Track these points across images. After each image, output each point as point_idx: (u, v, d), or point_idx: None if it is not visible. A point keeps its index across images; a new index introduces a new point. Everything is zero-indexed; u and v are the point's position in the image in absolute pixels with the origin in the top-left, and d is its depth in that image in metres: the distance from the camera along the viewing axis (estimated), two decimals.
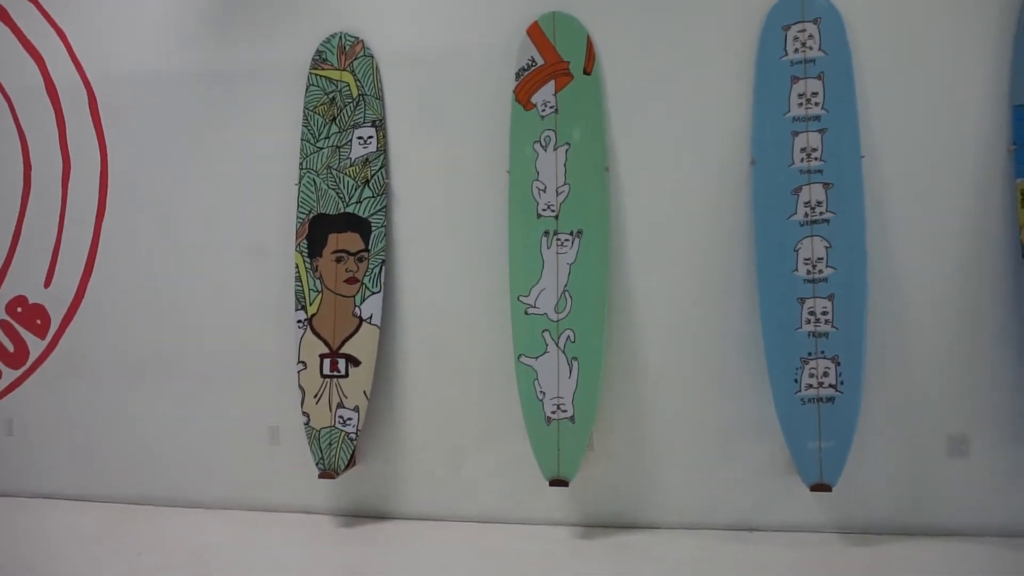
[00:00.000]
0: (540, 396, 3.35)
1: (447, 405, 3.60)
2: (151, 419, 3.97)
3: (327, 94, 3.68)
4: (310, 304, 3.63)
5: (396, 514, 3.66)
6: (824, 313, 3.16)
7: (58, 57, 4.03)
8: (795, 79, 3.24)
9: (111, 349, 4.02)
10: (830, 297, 3.15)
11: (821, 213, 3.18)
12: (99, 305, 4.03)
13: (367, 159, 3.63)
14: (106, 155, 4.00)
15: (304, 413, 3.58)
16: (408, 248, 3.63)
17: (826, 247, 3.17)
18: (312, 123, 3.69)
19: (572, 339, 3.35)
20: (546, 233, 3.41)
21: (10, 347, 4.16)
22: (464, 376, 3.59)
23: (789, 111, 3.24)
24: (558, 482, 3.31)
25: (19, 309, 4.14)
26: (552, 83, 3.45)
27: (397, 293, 3.63)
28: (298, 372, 3.61)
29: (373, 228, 3.60)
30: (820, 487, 3.11)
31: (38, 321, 4.11)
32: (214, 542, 3.49)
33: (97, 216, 4.02)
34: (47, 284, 4.09)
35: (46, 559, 3.37)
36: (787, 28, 3.25)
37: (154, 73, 3.93)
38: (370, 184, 3.61)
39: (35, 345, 4.12)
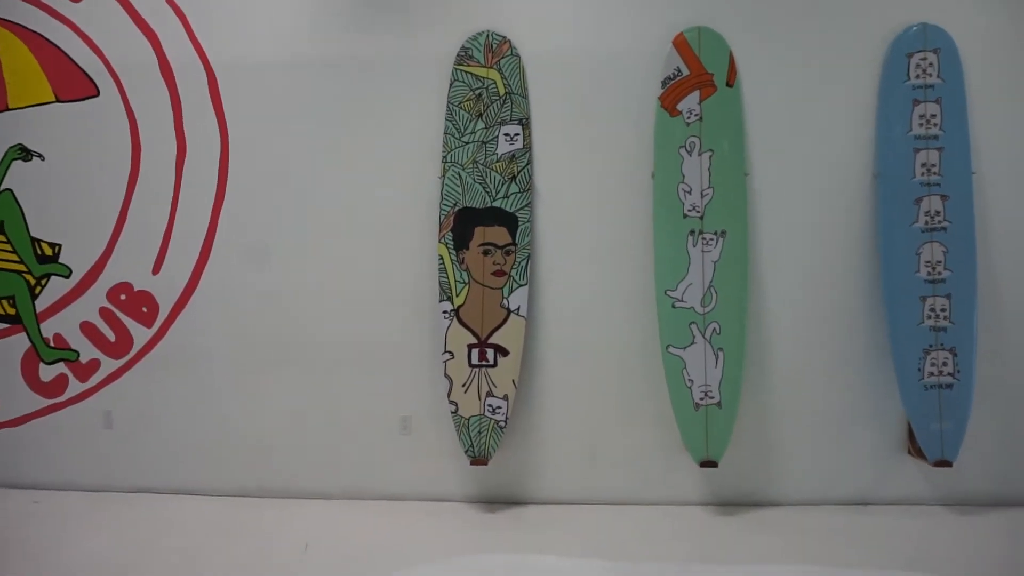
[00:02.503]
0: (688, 384, 3.59)
1: (585, 393, 3.77)
2: (268, 410, 3.90)
3: (473, 90, 3.77)
4: (456, 295, 3.70)
5: (531, 499, 3.79)
6: (943, 310, 3.57)
7: (175, 36, 3.89)
8: (916, 102, 3.64)
9: (226, 339, 3.91)
10: (947, 296, 3.57)
11: (939, 221, 3.59)
12: (213, 294, 3.91)
13: (513, 156, 3.74)
14: (227, 140, 3.90)
15: (451, 402, 3.65)
16: (551, 243, 3.77)
17: (944, 251, 3.58)
18: (457, 118, 3.77)
19: (717, 331, 3.60)
20: (691, 232, 3.65)
21: (111, 336, 3.96)
22: (602, 365, 3.76)
23: (911, 130, 3.63)
24: (708, 463, 3.55)
25: (123, 296, 3.95)
26: (697, 92, 3.70)
27: (540, 286, 3.76)
28: (444, 362, 3.67)
29: (520, 223, 3.72)
30: (942, 463, 3.52)
31: (144, 309, 3.94)
32: (364, 533, 3.50)
33: (215, 202, 3.90)
34: (156, 271, 3.93)
35: (211, 553, 3.27)
36: (910, 56, 3.65)
37: (283, 58, 3.87)
38: (516, 180, 3.74)
39: (140, 334, 3.95)
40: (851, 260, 3.71)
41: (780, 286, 3.72)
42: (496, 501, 3.78)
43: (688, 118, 3.69)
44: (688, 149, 3.68)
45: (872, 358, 3.68)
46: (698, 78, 3.70)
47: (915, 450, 3.61)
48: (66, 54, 3.98)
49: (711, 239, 3.64)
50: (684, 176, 3.67)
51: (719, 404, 3.57)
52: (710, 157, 3.66)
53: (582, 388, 3.77)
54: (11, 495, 3.90)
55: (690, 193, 3.67)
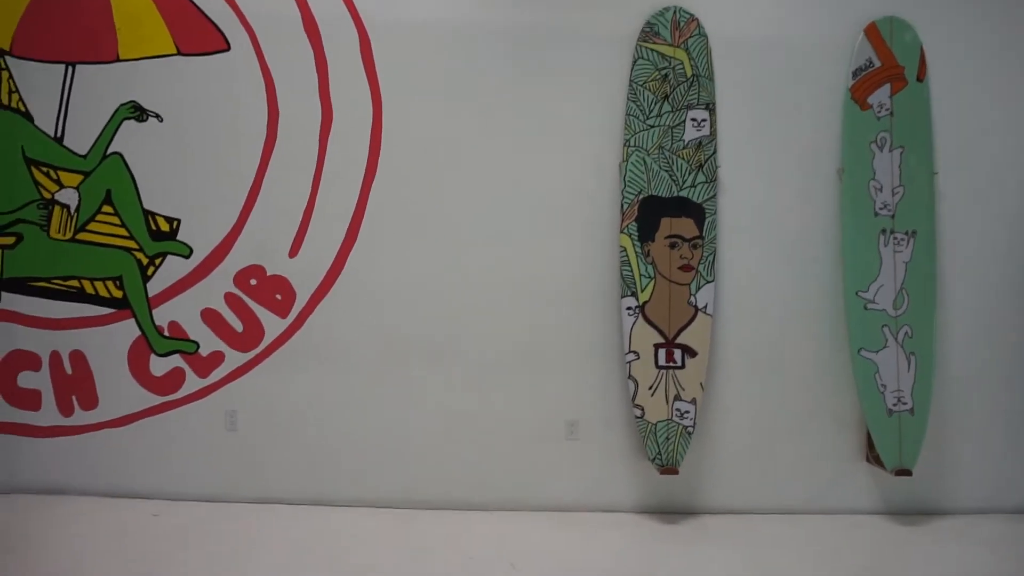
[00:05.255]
0: (881, 389, 3.44)
1: (765, 397, 3.57)
2: (417, 414, 3.53)
3: (659, 70, 3.49)
4: (641, 291, 3.43)
5: (706, 508, 3.57)
6: None
7: None
8: None
9: (371, 333, 3.51)
10: None
11: None
12: (359, 281, 3.50)
13: (700, 143, 3.49)
14: (380, 109, 3.48)
15: (637, 406, 3.38)
16: (735, 237, 3.55)
17: None
18: (641, 98, 3.49)
19: (910, 335, 3.47)
20: (883, 231, 3.50)
21: (238, 326, 3.48)
22: (785, 367, 3.57)
23: None
24: (902, 472, 3.42)
25: (253, 281, 3.48)
26: (888, 86, 3.54)
27: (723, 282, 3.54)
28: (629, 363, 3.40)
29: (707, 215, 3.48)
30: None
31: (278, 296, 3.48)
32: (536, 546, 3.20)
33: (365, 177, 3.48)
34: (293, 253, 3.48)
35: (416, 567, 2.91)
36: None
37: (447, 20, 3.48)
38: (704, 169, 3.49)
39: (272, 325, 3.48)
40: None
41: (962, 290, 3.62)
42: (670, 511, 3.54)
43: (879, 112, 3.53)
44: (879, 144, 3.52)
45: None
46: (889, 70, 3.54)
47: None
48: (191, 1, 3.46)
49: (902, 239, 3.50)
50: (875, 172, 3.52)
51: (911, 411, 3.44)
52: (901, 154, 3.52)
53: (762, 391, 3.57)
54: (127, 505, 3.39)
55: (881, 191, 3.52)
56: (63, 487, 3.52)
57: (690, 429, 3.39)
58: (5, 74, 3.48)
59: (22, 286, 3.50)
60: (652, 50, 3.51)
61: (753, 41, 3.56)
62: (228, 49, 3.47)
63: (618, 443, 3.53)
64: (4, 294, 3.50)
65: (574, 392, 3.55)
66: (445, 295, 3.53)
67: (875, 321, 3.47)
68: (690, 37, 3.51)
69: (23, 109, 3.48)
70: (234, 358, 3.50)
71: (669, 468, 3.37)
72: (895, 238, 3.50)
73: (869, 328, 3.46)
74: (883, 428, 3.43)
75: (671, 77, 3.50)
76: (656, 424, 3.38)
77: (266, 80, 3.47)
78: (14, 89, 3.48)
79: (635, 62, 3.50)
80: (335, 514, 3.42)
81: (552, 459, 3.55)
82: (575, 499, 3.54)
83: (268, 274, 3.49)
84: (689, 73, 3.51)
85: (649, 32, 3.51)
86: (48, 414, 3.52)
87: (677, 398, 3.40)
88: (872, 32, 3.54)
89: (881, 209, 3.51)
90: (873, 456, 3.49)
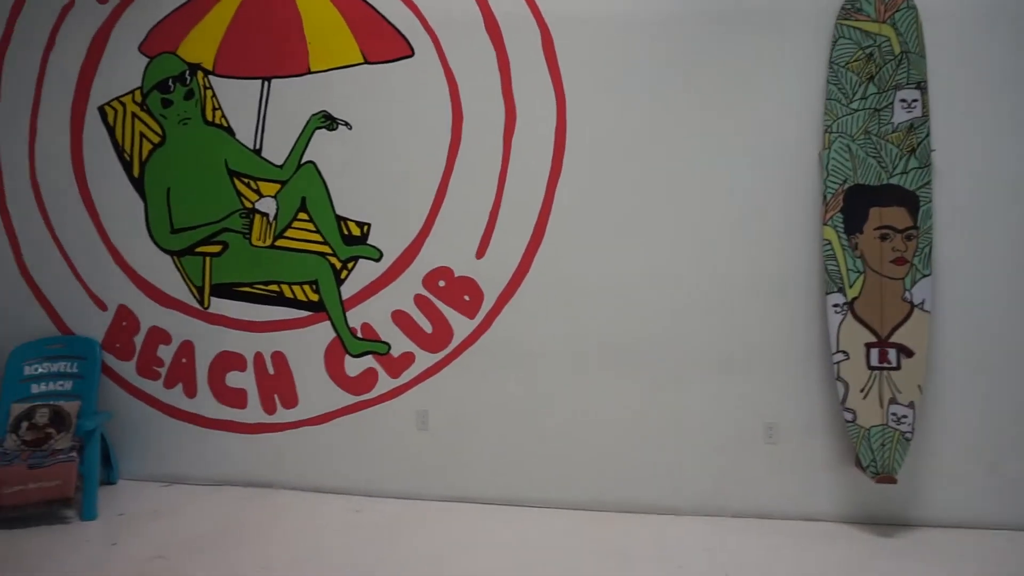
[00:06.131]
0: None
1: (987, 400, 3.25)
2: (606, 416, 3.45)
3: (863, 48, 3.24)
4: (849, 286, 3.20)
5: (919, 521, 3.30)
6: None
7: None
8: None
9: (559, 333, 3.46)
10: None
11: None
12: (546, 282, 3.46)
13: (911, 125, 3.21)
14: (564, 105, 3.43)
15: (848, 409, 3.17)
16: (952, 226, 3.24)
17: None
18: (844, 80, 3.25)
19: None
20: None
21: (427, 327, 3.54)
22: (1008, 368, 3.24)
23: None
24: None
25: (441, 283, 3.53)
26: None
27: (941, 276, 3.25)
28: (837, 363, 3.19)
29: (921, 203, 3.20)
30: None
31: (466, 297, 3.51)
32: (744, 556, 3.05)
33: (551, 176, 3.44)
34: (480, 255, 3.50)
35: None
36: None
37: (630, 11, 3.38)
38: (916, 154, 3.21)
39: (461, 326, 3.52)
40: None
41: None
42: (883, 523, 3.30)
43: None
44: None
45: None
46: None
47: None
48: (376, 10, 3.53)
49: None
50: None
51: None
52: None
53: (987, 394, 3.24)
54: (329, 501, 3.52)
55: None
56: (268, 481, 3.71)
57: (908, 435, 3.13)
58: (209, 92, 3.68)
59: (228, 291, 3.71)
60: (854, 28, 3.26)
61: (969, 11, 3.23)
62: (412, 55, 3.52)
63: (821, 448, 3.32)
64: (213, 299, 3.72)
65: (773, 393, 3.36)
66: (635, 293, 3.43)
67: None
68: (897, 11, 3.23)
69: (226, 124, 3.68)
70: (424, 359, 3.56)
71: (886, 476, 3.13)
72: None
73: None
74: None
75: (876, 56, 3.24)
76: (869, 429, 3.15)
77: (450, 83, 3.50)
78: (217, 106, 3.68)
79: (835, 42, 3.26)
80: (526, 515, 3.41)
81: (749, 463, 3.39)
82: (775, 506, 3.36)
83: (456, 276, 3.52)
84: (897, 50, 3.23)
85: (850, 9, 3.26)
86: (253, 412, 3.72)
87: (892, 401, 3.15)
88: None
89: None
90: None
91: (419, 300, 3.55)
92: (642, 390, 3.44)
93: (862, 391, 3.17)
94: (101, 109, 3.80)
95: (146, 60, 3.75)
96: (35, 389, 3.69)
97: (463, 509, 3.49)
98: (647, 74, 3.40)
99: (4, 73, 3.86)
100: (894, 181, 3.21)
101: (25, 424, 3.56)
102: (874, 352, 3.18)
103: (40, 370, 3.74)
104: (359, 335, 3.60)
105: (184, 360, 3.76)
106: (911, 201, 3.20)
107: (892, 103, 3.23)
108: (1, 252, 3.87)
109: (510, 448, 3.52)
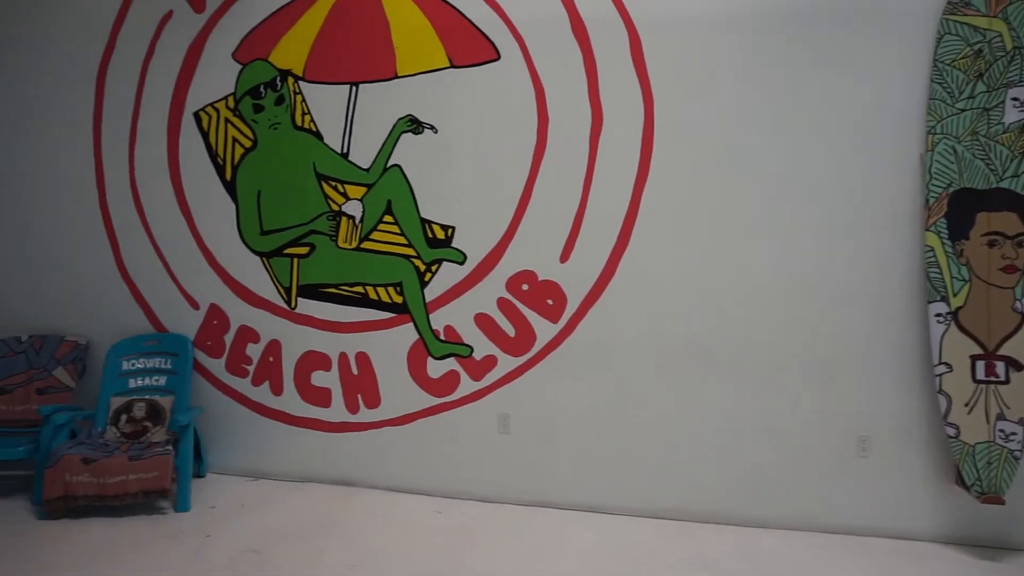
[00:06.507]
0: None
1: None
2: (691, 423, 3.39)
3: (971, 45, 3.09)
4: (953, 295, 3.06)
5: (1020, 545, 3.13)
6: None
7: None
8: None
9: (644, 339, 3.42)
10: None
11: None
12: (632, 286, 3.42)
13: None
14: (652, 107, 3.38)
15: (950, 424, 3.02)
16: None
17: None
18: (949, 79, 3.10)
19: None
20: None
21: (510, 331, 3.55)
22: None
23: None
24: None
25: (525, 286, 3.53)
26: None
27: None
28: (939, 375, 3.04)
29: None
30: None
31: (549, 301, 3.50)
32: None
33: (638, 178, 3.40)
34: (564, 258, 3.48)
35: None
36: None
37: (722, 13, 3.31)
38: None
39: (544, 329, 3.51)
40: None
41: None
42: (986, 545, 3.13)
43: None
44: None
45: None
46: None
47: None
48: (464, 15, 3.56)
49: None
50: None
51: None
52: None
53: None
54: (412, 501, 3.57)
55: None
56: (350, 479, 3.77)
57: (1017, 453, 2.97)
58: (299, 98, 3.77)
59: (315, 292, 3.79)
60: (962, 23, 3.11)
61: None
62: (498, 58, 3.53)
63: (918, 464, 3.18)
64: (300, 300, 3.81)
65: (868, 404, 3.24)
66: (725, 299, 3.35)
67: None
68: (1009, 4, 3.07)
69: (314, 129, 3.76)
70: (506, 362, 3.56)
71: (993, 497, 2.97)
72: None
73: None
74: None
75: (986, 52, 3.08)
76: (974, 446, 3.00)
77: (535, 85, 3.49)
78: (307, 111, 3.77)
79: (940, 38, 3.12)
80: (608, 522, 3.37)
81: (840, 477, 3.27)
82: (867, 522, 3.23)
83: (540, 279, 3.51)
84: (1009, 46, 3.07)
85: (957, 3, 3.11)
86: (337, 411, 3.79)
87: (1000, 417, 2.99)
88: None
89: None
90: None
91: (502, 303, 3.55)
92: (730, 397, 3.36)
93: (966, 405, 3.02)
94: (196, 115, 3.94)
95: (239, 67, 3.87)
96: (132, 384, 3.85)
97: (544, 514, 3.47)
98: (738, 74, 3.32)
99: (107, 82, 4.04)
100: (1004, 185, 3.05)
101: (124, 417, 3.72)
102: (980, 365, 3.03)
103: (137, 366, 3.89)
104: (442, 337, 3.63)
105: (271, 359, 3.86)
106: (1021, 206, 3.04)
107: (1003, 102, 3.07)
108: (103, 253, 4.05)
109: (592, 453, 3.49)
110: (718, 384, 3.37)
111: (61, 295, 4.09)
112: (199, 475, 3.86)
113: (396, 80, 3.65)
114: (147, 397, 3.79)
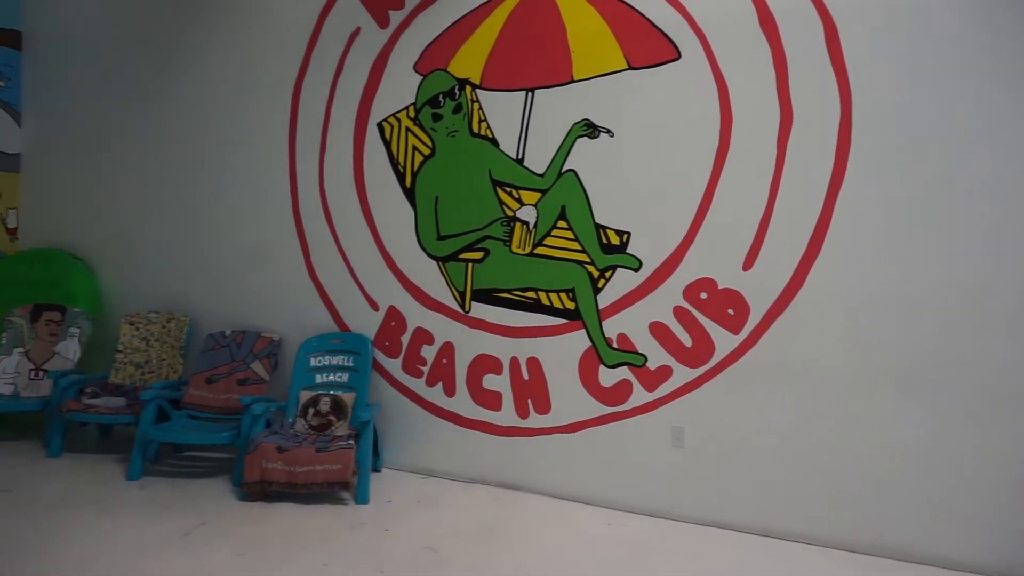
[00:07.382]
0: None
1: None
2: (884, 446, 3.07)
3: None
4: None
5: None
6: None
7: None
8: None
9: (836, 353, 3.15)
10: None
11: None
12: (824, 296, 3.17)
13: None
14: (850, 104, 3.11)
15: None
16: None
17: None
18: None
19: None
20: None
21: (687, 341, 3.41)
22: None
23: None
24: None
25: (703, 295, 3.38)
26: None
27: None
28: None
29: None
30: None
31: (730, 311, 3.33)
32: None
33: (832, 181, 3.15)
34: (747, 266, 3.29)
35: None
36: None
37: None
38: None
39: (723, 340, 3.34)
40: None
41: None
42: None
43: None
44: None
45: None
46: None
47: None
48: (642, 14, 3.47)
49: None
50: None
51: None
52: None
53: None
54: (580, 511, 3.52)
55: None
56: (518, 483, 3.78)
57: None
58: (476, 106, 3.86)
59: (488, 297, 3.85)
60: None
61: None
62: (678, 58, 3.41)
63: None
64: (473, 304, 3.88)
65: None
66: (931, 312, 3.01)
67: None
68: None
69: (491, 136, 3.83)
70: (682, 373, 3.42)
71: None
72: None
73: None
74: None
75: None
76: None
77: (718, 84, 3.33)
78: (483, 119, 3.84)
79: None
80: (786, 549, 3.13)
81: None
82: None
83: (720, 288, 3.34)
84: None
85: None
86: (507, 415, 3.82)
87: None
88: None
89: None
90: None
91: (679, 312, 3.42)
92: (930, 420, 3.01)
93: None
94: (379, 125, 4.14)
95: (419, 78, 4.02)
96: (319, 379, 4.10)
97: (717, 535, 3.29)
98: (951, 64, 2.97)
99: (302, 98, 4.35)
100: None
101: (311, 410, 3.96)
102: None
103: (323, 362, 4.15)
104: (615, 345, 3.55)
105: (445, 360, 3.96)
106: None
107: None
108: (296, 256, 4.36)
109: (772, 474, 3.26)
110: (917, 405, 3.03)
111: (260, 294, 4.46)
112: (375, 469, 4.04)
113: (572, 84, 3.63)
114: (332, 393, 4.02)
